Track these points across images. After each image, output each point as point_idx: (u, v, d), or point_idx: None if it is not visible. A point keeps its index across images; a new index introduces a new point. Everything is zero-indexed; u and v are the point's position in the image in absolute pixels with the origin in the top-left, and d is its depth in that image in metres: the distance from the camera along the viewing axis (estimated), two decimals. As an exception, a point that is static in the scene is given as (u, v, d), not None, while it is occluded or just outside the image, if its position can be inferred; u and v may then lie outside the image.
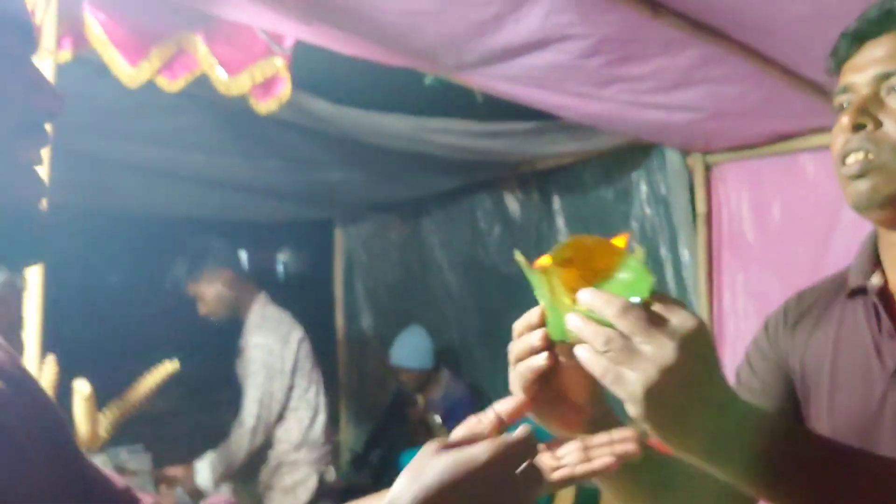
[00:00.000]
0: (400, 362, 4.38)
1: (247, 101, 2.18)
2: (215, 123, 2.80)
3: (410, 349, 4.37)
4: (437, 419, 4.31)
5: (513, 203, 4.40)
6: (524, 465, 0.68)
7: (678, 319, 0.70)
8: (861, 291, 1.06)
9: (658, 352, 0.68)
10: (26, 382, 0.75)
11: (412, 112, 2.82)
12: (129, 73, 1.90)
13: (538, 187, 4.21)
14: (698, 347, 0.69)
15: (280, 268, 6.61)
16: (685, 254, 3.37)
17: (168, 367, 2.15)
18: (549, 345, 0.79)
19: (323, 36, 2.08)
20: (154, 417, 2.25)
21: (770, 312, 1.26)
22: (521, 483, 0.67)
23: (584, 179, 3.90)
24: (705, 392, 0.71)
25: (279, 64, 2.11)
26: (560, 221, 4.11)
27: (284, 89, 2.14)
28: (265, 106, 2.13)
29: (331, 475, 3.63)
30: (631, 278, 0.74)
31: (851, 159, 0.97)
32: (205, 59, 1.99)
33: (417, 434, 4.46)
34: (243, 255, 4.38)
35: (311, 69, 2.30)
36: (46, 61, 1.77)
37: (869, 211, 0.99)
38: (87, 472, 0.83)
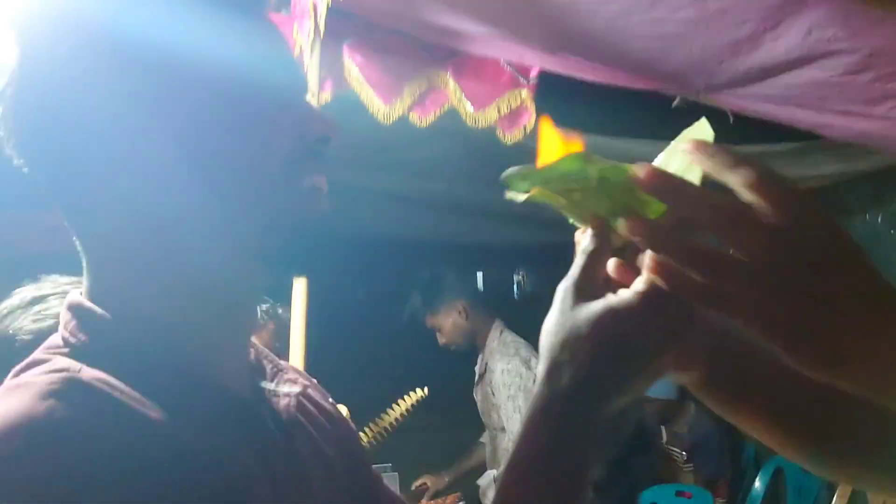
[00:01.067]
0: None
1: (491, 131, 2.23)
2: (460, 152, 2.88)
3: None
4: (682, 454, 4.12)
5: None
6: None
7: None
8: None
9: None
10: (326, 413, 0.84)
11: (659, 136, 2.73)
12: (384, 111, 2.01)
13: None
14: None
15: (516, 291, 6.68)
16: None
17: (419, 393, 2.22)
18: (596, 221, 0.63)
19: (568, 65, 2.08)
20: (397, 437, 2.34)
21: None
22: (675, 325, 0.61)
23: (849, 202, 3.58)
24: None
25: (524, 95, 2.13)
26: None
27: (530, 119, 2.16)
28: (511, 136, 2.15)
29: None
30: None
31: None
32: (454, 94, 2.06)
33: (661, 468, 4.30)
34: (478, 281, 4.45)
35: (555, 98, 2.30)
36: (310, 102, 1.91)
37: None
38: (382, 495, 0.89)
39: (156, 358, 0.63)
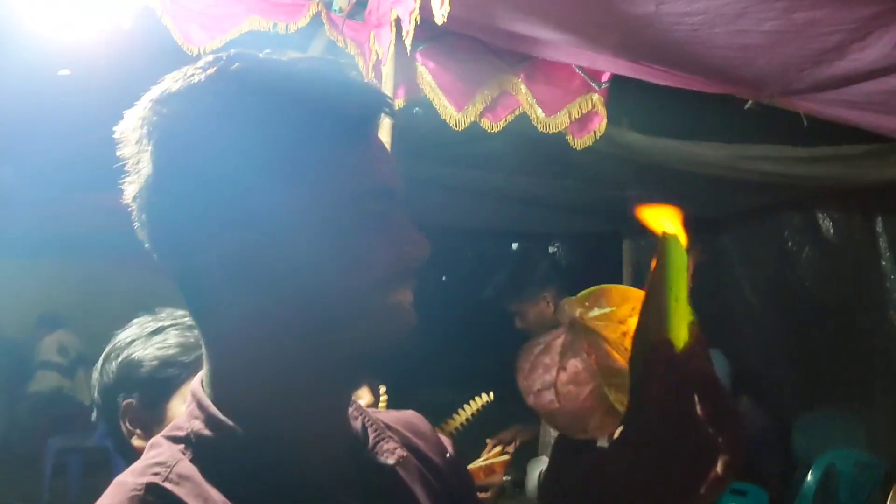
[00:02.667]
0: None
1: (561, 134, 2.19)
2: (524, 149, 2.86)
3: None
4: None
5: (826, 222, 4.05)
6: None
7: None
8: None
9: None
10: (437, 471, 0.89)
11: (728, 137, 2.67)
12: (456, 117, 1.99)
13: (858, 206, 3.83)
14: None
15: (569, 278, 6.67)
16: None
17: (484, 398, 2.22)
18: None
19: (642, 71, 2.03)
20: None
21: None
22: None
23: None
24: None
25: (596, 99, 2.10)
26: (883, 245, 3.71)
27: (600, 124, 2.13)
28: (581, 141, 2.12)
29: None
30: None
31: None
32: (525, 100, 2.03)
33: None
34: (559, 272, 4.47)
35: (623, 99, 2.26)
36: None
37: None
38: None
39: (254, 463, 0.70)
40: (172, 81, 0.71)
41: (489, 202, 3.81)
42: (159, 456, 0.70)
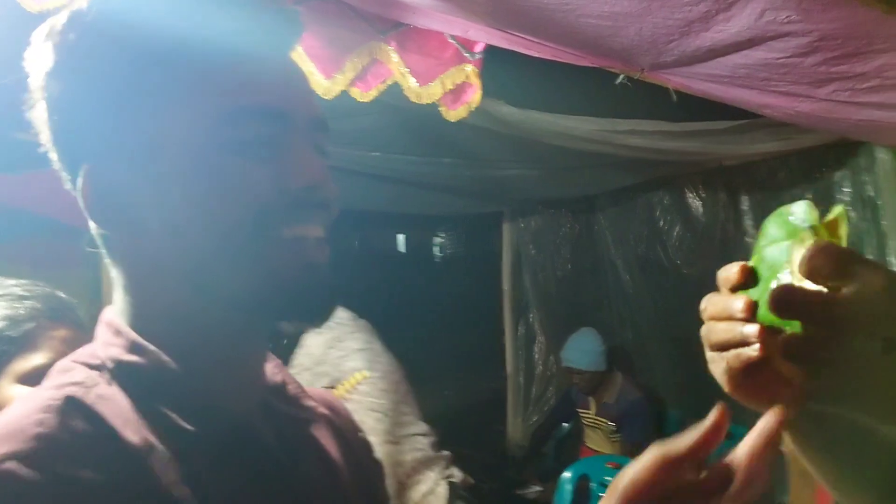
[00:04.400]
0: (571, 363, 4.27)
1: (433, 107, 2.14)
2: (396, 124, 2.80)
3: (582, 350, 4.25)
4: (610, 424, 4.18)
5: (695, 201, 4.18)
6: None
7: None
8: None
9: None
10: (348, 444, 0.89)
11: (600, 112, 2.69)
12: (325, 85, 1.90)
13: (724, 185, 3.98)
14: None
15: (446, 260, 6.69)
16: (894, 262, 3.07)
17: (359, 376, 2.16)
18: (762, 333, 0.65)
19: (515, 41, 2.00)
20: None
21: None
22: None
23: (778, 178, 3.64)
24: None
25: (470, 70, 2.05)
26: (748, 222, 3.86)
27: (474, 96, 2.08)
28: (455, 113, 2.07)
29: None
30: None
31: None
32: (397, 69, 1.96)
33: (588, 438, 4.35)
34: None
35: (497, 73, 2.23)
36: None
37: None
38: None
39: (171, 384, 0.68)
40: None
41: (366, 182, 3.73)
42: (74, 377, 0.67)
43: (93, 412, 0.63)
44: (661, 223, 4.33)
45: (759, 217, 3.81)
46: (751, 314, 0.65)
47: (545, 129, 2.67)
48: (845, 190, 3.29)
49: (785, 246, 0.64)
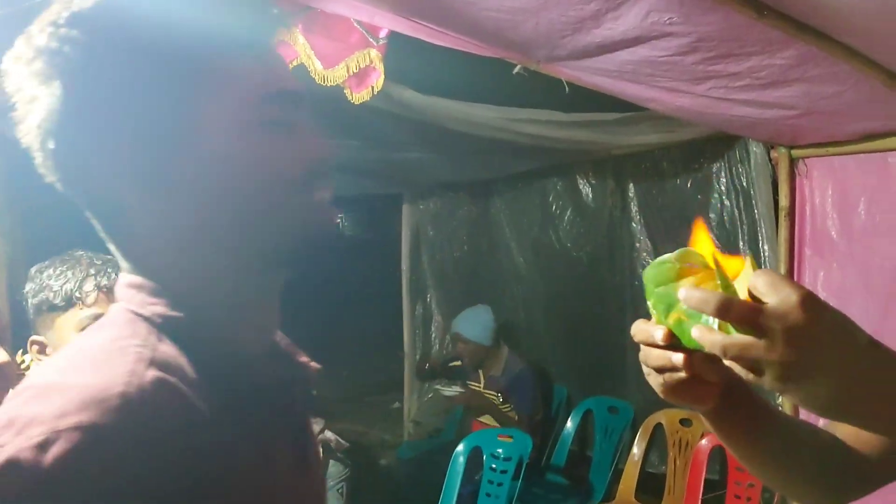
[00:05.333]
0: (458, 329, 4.44)
1: (338, 89, 2.21)
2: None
3: (473, 322, 4.41)
4: (499, 396, 4.35)
5: (585, 187, 4.37)
6: None
7: (777, 301, 0.71)
8: None
9: (772, 345, 0.70)
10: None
11: (498, 100, 2.81)
12: (232, 64, 1.94)
13: (613, 173, 4.18)
14: (812, 318, 0.70)
15: (347, 241, 6.72)
16: (766, 249, 3.32)
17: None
18: (686, 357, 0.79)
19: (419, 29, 2.09)
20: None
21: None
22: None
23: (662, 167, 3.85)
24: (838, 355, 0.72)
25: (374, 55, 2.13)
26: (634, 208, 4.08)
27: (378, 80, 2.16)
28: (359, 96, 2.15)
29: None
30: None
31: None
32: (303, 51, 2.02)
33: (475, 410, 4.51)
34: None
35: (401, 58, 2.31)
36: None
37: None
38: None
39: (207, 338, 0.76)
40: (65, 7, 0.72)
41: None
42: (136, 333, 0.73)
43: (162, 371, 0.68)
44: (554, 208, 4.51)
45: (645, 204, 4.03)
46: (669, 341, 0.79)
47: (446, 114, 2.77)
48: (722, 180, 3.54)
49: (671, 286, 0.78)
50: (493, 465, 3.65)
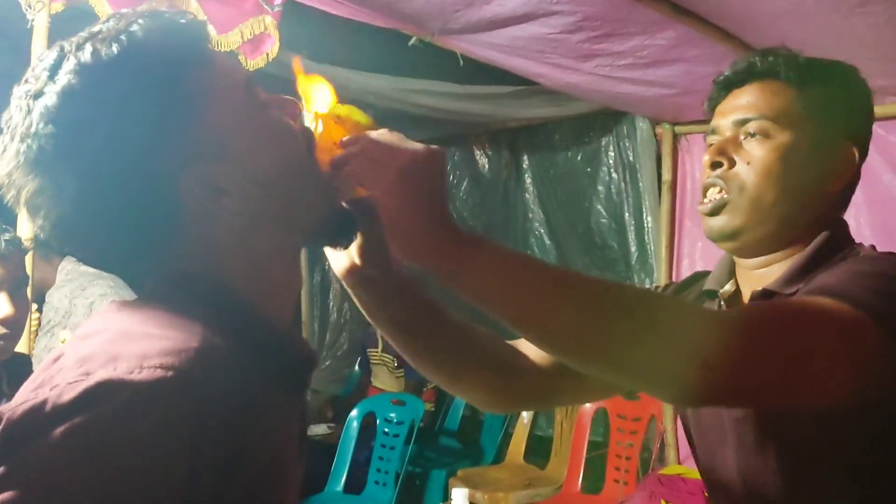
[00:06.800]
0: None
1: (232, 55, 2.20)
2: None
3: None
4: (394, 360, 4.42)
5: (482, 158, 4.46)
6: None
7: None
8: (713, 294, 1.17)
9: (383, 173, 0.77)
10: None
11: (393, 71, 2.84)
12: (121, 27, 1.91)
13: (508, 145, 4.28)
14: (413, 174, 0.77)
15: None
16: (649, 220, 3.48)
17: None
18: None
19: (313, -4, 2.10)
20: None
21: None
22: None
23: (554, 141, 3.97)
24: (421, 214, 0.77)
25: (268, 22, 2.13)
26: (528, 179, 4.19)
27: (273, 47, 2.16)
28: (253, 63, 2.15)
29: None
30: None
31: (708, 196, 1.07)
32: (196, 14, 2.00)
33: (375, 377, 4.59)
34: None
35: (295, 27, 2.32)
36: (40, 13, 1.79)
37: (721, 243, 1.09)
38: None
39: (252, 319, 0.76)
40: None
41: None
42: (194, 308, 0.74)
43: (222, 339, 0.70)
44: (451, 178, 4.58)
45: (538, 175, 4.15)
46: None
47: (340, 83, 2.76)
48: (610, 154, 3.68)
49: None
50: (386, 430, 3.72)
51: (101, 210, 0.72)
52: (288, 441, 0.78)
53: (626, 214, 3.63)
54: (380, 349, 4.53)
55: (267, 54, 2.18)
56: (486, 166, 4.45)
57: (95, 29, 0.72)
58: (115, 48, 0.70)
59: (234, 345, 0.71)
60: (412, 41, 2.51)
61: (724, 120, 1.09)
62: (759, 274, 1.08)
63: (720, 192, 1.05)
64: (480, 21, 2.21)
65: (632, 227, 3.60)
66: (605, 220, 3.79)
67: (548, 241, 4.14)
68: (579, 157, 3.87)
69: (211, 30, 2.03)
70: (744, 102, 1.08)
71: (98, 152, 0.69)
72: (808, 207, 1.05)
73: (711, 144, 1.10)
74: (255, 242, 0.77)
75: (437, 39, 2.45)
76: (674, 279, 3.34)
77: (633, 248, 3.60)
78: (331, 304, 5.40)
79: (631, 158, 3.57)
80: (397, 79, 2.86)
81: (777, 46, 1.10)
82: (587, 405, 3.65)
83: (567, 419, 3.86)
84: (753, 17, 2.06)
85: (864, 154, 1.08)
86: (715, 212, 1.06)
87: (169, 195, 0.73)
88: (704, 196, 1.07)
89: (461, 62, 2.61)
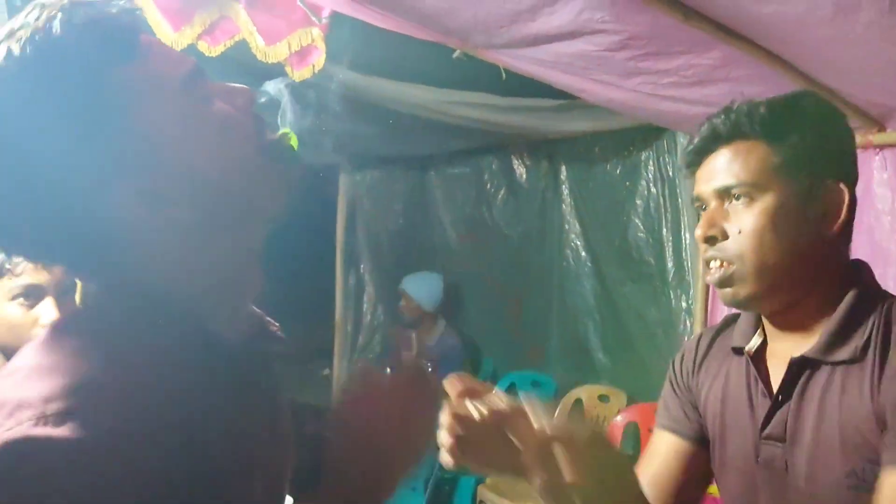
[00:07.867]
0: (405, 287, 4.51)
1: (279, 66, 2.23)
2: (241, 82, 2.84)
3: (421, 284, 4.49)
4: (428, 364, 4.42)
5: (520, 168, 4.46)
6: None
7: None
8: (740, 351, 1.15)
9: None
10: None
11: (436, 82, 2.86)
12: (172, 37, 1.95)
13: (547, 156, 4.27)
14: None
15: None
16: (687, 237, 3.46)
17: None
18: None
19: (360, 10, 2.12)
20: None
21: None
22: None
23: (593, 153, 3.96)
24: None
25: (316, 34, 2.16)
26: (565, 191, 4.18)
27: (319, 58, 2.19)
28: (300, 74, 2.18)
29: None
30: None
31: (712, 266, 1.06)
32: (245, 27, 2.04)
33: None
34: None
35: (342, 36, 2.34)
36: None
37: (740, 309, 1.08)
38: None
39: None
40: None
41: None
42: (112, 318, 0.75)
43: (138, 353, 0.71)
44: (489, 186, 4.59)
45: (576, 187, 4.14)
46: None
47: (383, 94, 2.81)
48: (650, 168, 3.66)
49: None
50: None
51: (30, 221, 0.70)
52: (243, 433, 0.76)
53: (664, 230, 3.61)
54: (414, 351, 4.54)
55: (313, 65, 2.21)
56: (524, 176, 4.45)
57: (16, 24, 0.68)
58: (28, 49, 0.66)
59: (174, 353, 0.70)
60: (456, 54, 2.53)
61: (706, 187, 1.09)
62: (790, 330, 1.08)
63: (721, 265, 1.05)
64: (525, 37, 2.22)
65: (669, 243, 3.58)
66: (642, 235, 3.78)
67: (583, 253, 4.14)
68: (618, 171, 3.85)
69: (259, 40, 2.07)
70: (720, 168, 1.07)
71: (18, 162, 0.66)
72: (813, 254, 1.04)
73: (700, 208, 1.10)
74: (203, 247, 0.75)
75: (480, 52, 2.46)
76: (710, 296, 3.31)
77: (669, 265, 3.57)
78: (364, 306, 5.43)
79: (671, 174, 3.55)
80: (439, 90, 2.88)
81: (734, 100, 1.09)
82: (618, 417, 3.63)
83: (598, 432, 3.84)
84: (802, 42, 2.04)
85: (853, 185, 1.06)
86: (723, 284, 1.06)
87: (101, 206, 0.69)
88: (708, 266, 1.07)
89: (504, 76, 2.62)
